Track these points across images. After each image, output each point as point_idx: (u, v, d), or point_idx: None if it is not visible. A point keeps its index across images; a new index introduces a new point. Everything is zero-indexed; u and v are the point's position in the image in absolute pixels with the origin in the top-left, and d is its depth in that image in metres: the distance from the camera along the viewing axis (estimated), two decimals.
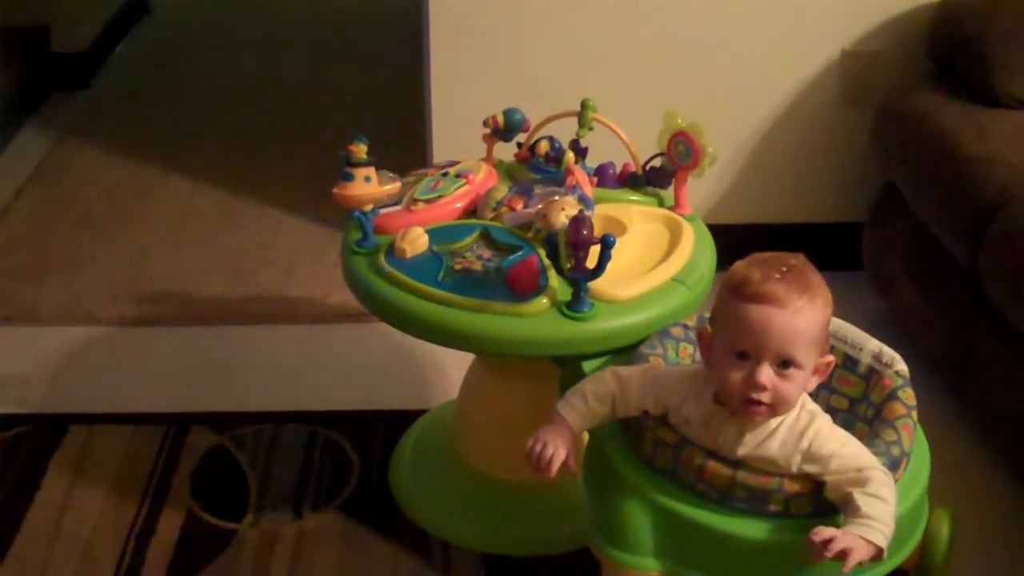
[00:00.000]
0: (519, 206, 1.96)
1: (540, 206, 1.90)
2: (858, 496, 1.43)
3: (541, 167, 2.09)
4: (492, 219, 1.97)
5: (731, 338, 1.48)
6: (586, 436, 1.70)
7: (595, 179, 2.08)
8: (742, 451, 1.51)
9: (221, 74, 4.20)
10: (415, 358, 2.56)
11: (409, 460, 2.20)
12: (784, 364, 1.47)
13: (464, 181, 2.03)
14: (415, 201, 1.99)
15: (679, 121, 1.99)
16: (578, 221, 1.72)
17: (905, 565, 1.60)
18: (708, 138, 1.97)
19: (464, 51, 2.73)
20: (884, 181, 2.64)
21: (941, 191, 2.31)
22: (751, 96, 2.80)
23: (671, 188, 2.06)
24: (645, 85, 2.74)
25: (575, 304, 1.77)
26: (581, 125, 2.09)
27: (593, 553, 1.62)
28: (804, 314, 1.46)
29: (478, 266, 1.86)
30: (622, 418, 1.62)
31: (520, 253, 1.86)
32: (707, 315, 1.64)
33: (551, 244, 1.77)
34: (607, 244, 1.71)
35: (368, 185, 1.91)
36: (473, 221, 1.98)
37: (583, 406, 1.61)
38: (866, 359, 1.71)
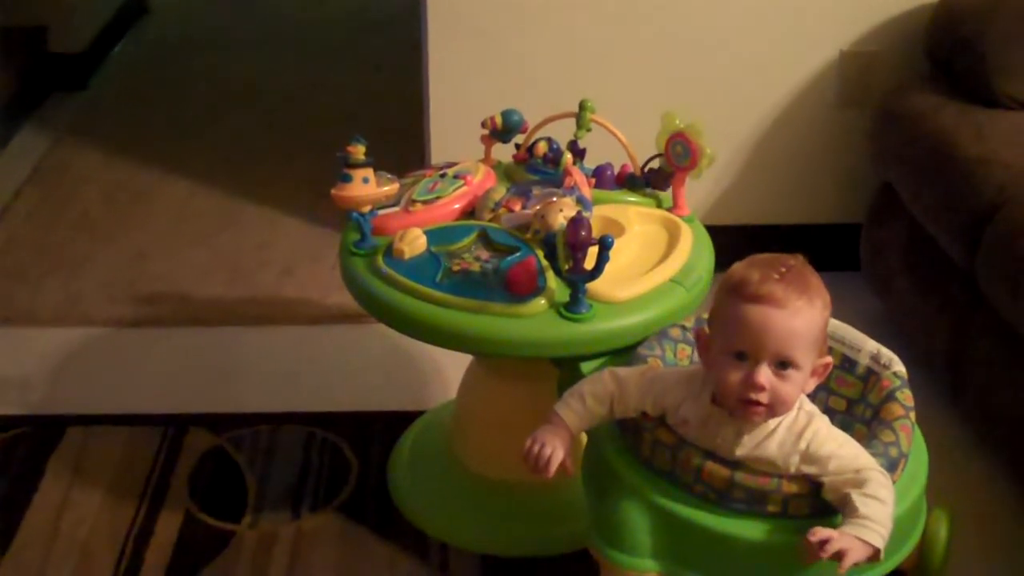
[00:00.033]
0: (517, 207, 1.96)
1: (538, 207, 1.90)
2: (856, 497, 1.43)
3: (539, 168, 2.09)
4: (490, 220, 1.97)
5: (729, 338, 1.49)
6: (584, 437, 1.70)
7: (593, 180, 2.08)
8: (740, 452, 1.51)
9: (219, 75, 4.20)
10: (413, 359, 2.56)
11: (407, 461, 2.20)
12: (782, 365, 1.47)
13: (462, 182, 2.03)
14: (413, 202, 1.99)
15: (677, 122, 1.99)
16: (576, 222, 1.72)
17: (903, 566, 1.61)
18: (706, 139, 1.97)
19: (462, 52, 2.73)
20: (882, 182, 2.64)
21: (939, 192, 2.31)
22: (749, 97, 2.80)
23: (669, 189, 2.06)
24: (643, 86, 2.74)
25: (573, 305, 1.77)
26: (579, 126, 2.09)
27: (591, 554, 1.62)
28: (803, 315, 1.46)
29: (476, 267, 1.86)
30: (620, 419, 1.62)
31: (518, 254, 1.86)
32: (705, 316, 1.65)
33: (549, 245, 1.77)
34: (605, 245, 1.71)
35: (366, 186, 1.91)
36: (471, 222, 1.98)
37: (581, 407, 1.61)
38: (864, 360, 1.72)
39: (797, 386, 1.49)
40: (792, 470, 1.49)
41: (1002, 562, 2.06)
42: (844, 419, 1.69)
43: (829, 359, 1.54)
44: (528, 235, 1.90)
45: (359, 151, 1.90)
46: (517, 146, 2.16)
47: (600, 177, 2.09)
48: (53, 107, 3.93)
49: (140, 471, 2.22)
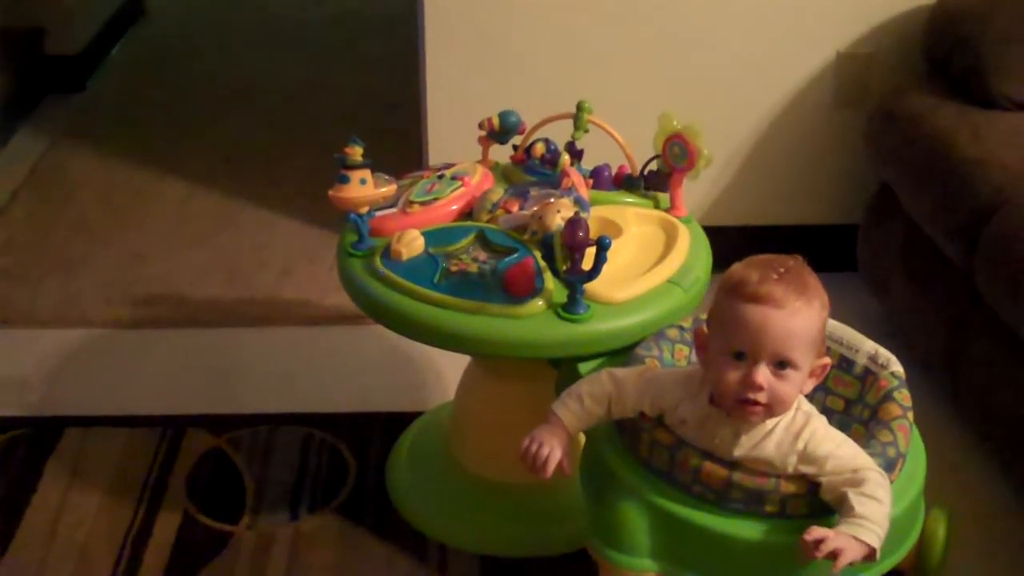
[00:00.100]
0: (515, 208, 1.96)
1: (536, 208, 1.90)
2: (852, 496, 1.44)
3: (537, 169, 2.09)
4: (488, 221, 1.97)
5: (728, 338, 1.49)
6: (581, 437, 1.70)
7: (591, 181, 2.08)
8: (738, 452, 1.51)
9: (217, 76, 4.19)
10: (411, 360, 2.56)
11: (405, 462, 2.20)
12: (781, 365, 1.47)
13: (460, 183, 2.03)
14: (411, 203, 1.99)
15: (674, 123, 1.99)
16: (574, 223, 1.72)
17: (901, 566, 1.61)
18: (703, 140, 1.97)
19: (460, 53, 2.73)
20: (879, 182, 2.64)
21: (936, 193, 2.31)
22: (746, 98, 2.80)
23: (667, 190, 2.06)
24: (640, 87, 2.74)
25: (571, 306, 1.77)
26: (577, 127, 2.09)
27: (590, 554, 1.62)
28: (801, 315, 1.46)
29: (474, 268, 1.86)
30: (618, 419, 1.62)
31: (516, 255, 1.86)
32: (703, 316, 1.65)
33: (547, 246, 1.77)
34: (603, 246, 1.71)
35: (364, 187, 1.91)
36: (469, 223, 1.98)
37: (578, 407, 1.61)
38: (862, 360, 1.72)
39: (795, 386, 1.49)
40: (790, 470, 1.50)
41: (1000, 561, 2.06)
42: (842, 419, 1.70)
43: (827, 360, 1.54)
44: (526, 236, 1.90)
45: (356, 152, 1.90)
46: (515, 147, 2.16)
47: (598, 178, 2.09)
48: (50, 109, 3.93)
49: (138, 472, 2.22)
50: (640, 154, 2.07)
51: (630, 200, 2.07)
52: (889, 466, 1.52)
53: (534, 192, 1.98)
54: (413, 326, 1.83)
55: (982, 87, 2.42)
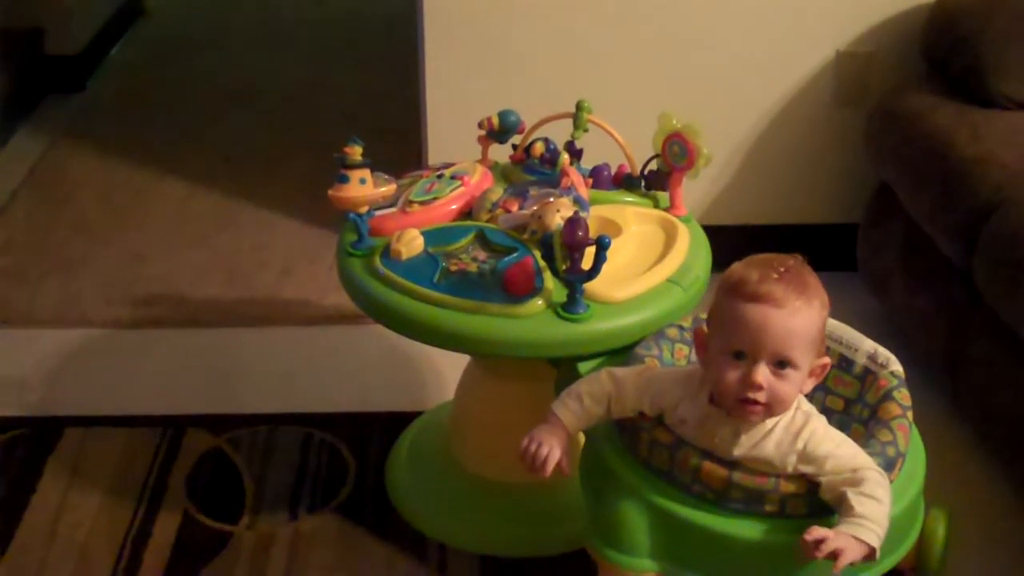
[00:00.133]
0: (514, 208, 1.96)
1: (535, 208, 1.90)
2: (852, 496, 1.44)
3: (536, 169, 2.09)
4: (487, 221, 1.97)
5: (728, 338, 1.49)
6: (581, 437, 1.70)
7: (590, 180, 2.08)
8: (738, 452, 1.51)
9: (217, 76, 4.19)
10: (411, 360, 2.56)
11: (405, 462, 2.20)
12: (780, 364, 1.47)
13: (459, 183, 2.03)
14: (410, 203, 1.99)
15: (674, 122, 1.99)
16: (573, 223, 1.72)
17: (901, 565, 1.61)
18: (703, 139, 1.97)
19: (459, 53, 2.73)
20: (878, 181, 2.64)
21: (935, 192, 2.31)
22: (745, 97, 2.80)
23: (666, 189, 2.06)
24: (640, 86, 2.74)
25: (570, 305, 1.77)
26: (576, 127, 2.09)
27: (589, 554, 1.62)
28: (801, 315, 1.46)
29: (473, 268, 1.86)
30: (618, 419, 1.62)
31: (515, 255, 1.86)
32: (703, 316, 1.65)
33: (546, 246, 1.77)
34: (602, 245, 1.71)
35: (363, 187, 1.91)
36: (468, 223, 1.98)
37: (578, 406, 1.61)
38: (861, 360, 1.72)
39: (795, 386, 1.49)
40: (789, 470, 1.49)
41: (1000, 561, 2.06)
42: (841, 419, 1.70)
43: (827, 359, 1.54)
44: (525, 235, 1.90)
45: (356, 152, 1.90)
46: (514, 147, 2.16)
47: (597, 177, 2.09)
48: (50, 109, 3.93)
49: (138, 472, 2.22)
50: (640, 153, 2.07)
51: (629, 199, 2.07)
52: (889, 465, 1.52)
53: (533, 191, 1.98)
54: (413, 326, 1.83)
55: (981, 86, 2.42)
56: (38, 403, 2.45)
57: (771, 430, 1.50)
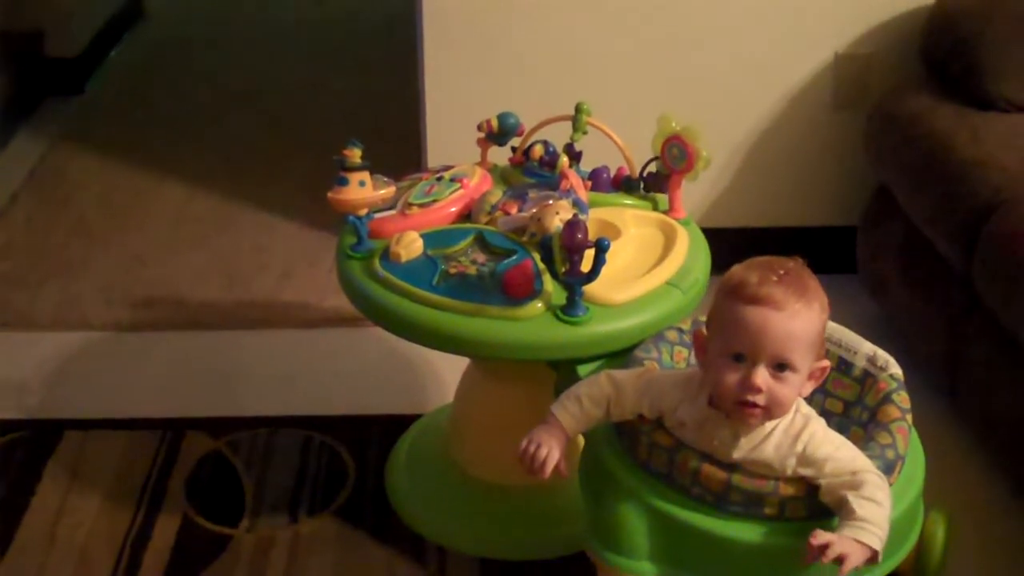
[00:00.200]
0: (513, 210, 1.96)
1: (534, 210, 1.90)
2: (852, 499, 1.43)
3: (535, 171, 2.09)
4: (487, 223, 1.97)
5: (727, 340, 1.49)
6: (580, 440, 1.70)
7: (589, 183, 2.08)
8: (737, 454, 1.51)
9: (216, 78, 4.20)
10: (410, 362, 2.56)
11: (405, 465, 2.20)
12: (780, 367, 1.47)
13: (459, 185, 2.03)
14: (410, 205, 1.99)
15: (673, 125, 1.99)
16: (572, 225, 1.72)
17: (901, 568, 1.60)
18: (702, 141, 1.97)
19: (459, 54, 2.73)
20: (878, 184, 2.64)
21: (935, 194, 2.31)
22: (745, 99, 2.80)
23: (665, 192, 2.06)
24: (639, 89, 2.74)
25: (570, 308, 1.77)
26: (575, 129, 2.09)
27: (589, 557, 1.62)
28: (801, 317, 1.46)
29: (473, 270, 1.86)
30: (617, 421, 1.62)
31: (515, 257, 1.86)
32: (702, 318, 1.65)
33: (545, 248, 1.77)
34: (601, 248, 1.71)
35: (363, 189, 1.91)
36: (468, 225, 1.98)
37: (577, 408, 1.61)
38: (860, 362, 1.71)
39: (794, 388, 1.49)
40: (789, 472, 1.49)
41: (999, 563, 2.06)
42: (841, 421, 1.69)
43: (827, 362, 1.54)
44: (524, 238, 1.90)
45: (355, 154, 1.90)
46: (513, 149, 2.16)
47: (596, 180, 2.09)
48: (49, 111, 3.93)
49: (138, 475, 2.22)
50: (639, 156, 2.07)
51: (629, 202, 2.07)
52: (888, 468, 1.52)
53: (533, 194, 1.98)
54: (412, 328, 1.83)
55: (981, 88, 2.43)
56: (38, 406, 2.45)
57: (770, 433, 1.50)
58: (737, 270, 1.52)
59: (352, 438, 2.32)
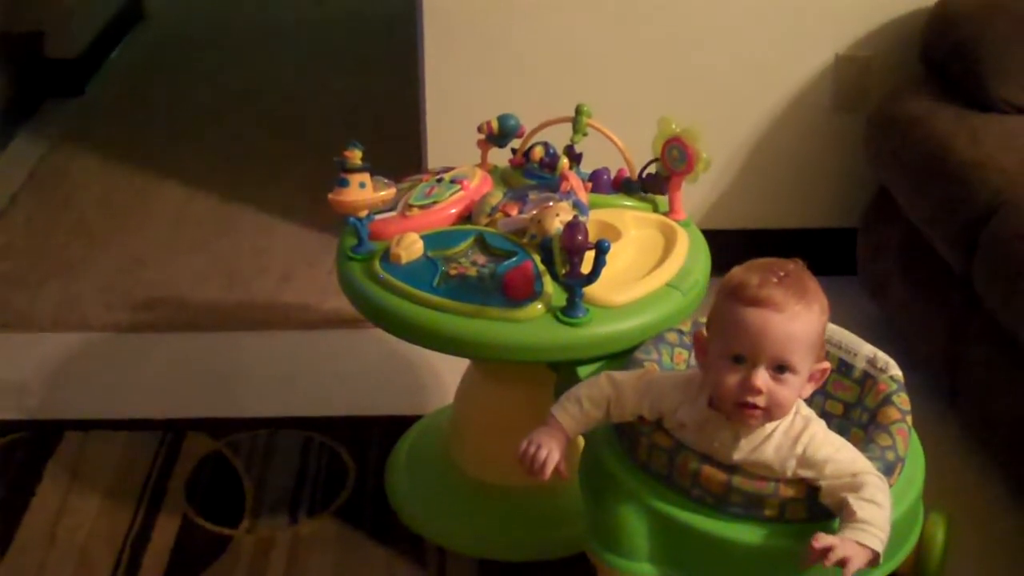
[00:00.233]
0: (514, 212, 1.96)
1: (535, 212, 1.91)
2: (853, 501, 1.43)
3: (536, 173, 2.09)
4: (487, 225, 1.97)
5: (727, 341, 1.49)
6: (580, 441, 1.70)
7: (589, 185, 2.08)
8: (737, 456, 1.51)
9: (217, 79, 4.20)
10: (410, 364, 2.56)
11: (405, 466, 2.20)
12: (780, 369, 1.47)
13: (459, 187, 2.03)
14: (410, 207, 1.99)
15: (673, 126, 1.99)
16: (572, 227, 1.72)
17: (900, 570, 1.60)
18: (702, 143, 1.97)
19: (459, 55, 2.73)
20: (878, 186, 2.64)
21: (934, 196, 2.31)
22: (744, 101, 2.80)
23: (666, 193, 2.06)
24: (639, 90, 2.74)
25: (570, 309, 1.77)
26: (575, 131, 2.09)
27: (589, 558, 1.63)
28: (801, 319, 1.47)
29: (473, 272, 1.86)
30: (617, 423, 1.62)
31: (515, 259, 1.86)
32: (702, 320, 1.65)
33: (546, 250, 1.77)
34: (602, 249, 1.71)
35: (363, 191, 1.91)
36: (468, 227, 1.98)
37: (577, 410, 1.61)
38: (860, 364, 1.72)
39: (794, 390, 1.49)
40: (789, 474, 1.50)
41: (999, 565, 2.06)
42: (841, 423, 1.70)
43: (827, 364, 1.55)
44: (525, 240, 1.90)
45: (356, 156, 1.90)
46: (513, 151, 2.16)
47: (596, 181, 2.09)
48: (49, 112, 3.93)
49: (138, 475, 2.22)
50: (639, 157, 2.07)
51: (629, 204, 2.07)
52: (888, 470, 1.52)
53: (533, 196, 1.98)
54: (412, 330, 1.83)
55: (980, 90, 2.43)
56: (38, 406, 2.45)
57: (770, 434, 1.50)
58: (737, 272, 1.52)
59: (352, 439, 2.32)
